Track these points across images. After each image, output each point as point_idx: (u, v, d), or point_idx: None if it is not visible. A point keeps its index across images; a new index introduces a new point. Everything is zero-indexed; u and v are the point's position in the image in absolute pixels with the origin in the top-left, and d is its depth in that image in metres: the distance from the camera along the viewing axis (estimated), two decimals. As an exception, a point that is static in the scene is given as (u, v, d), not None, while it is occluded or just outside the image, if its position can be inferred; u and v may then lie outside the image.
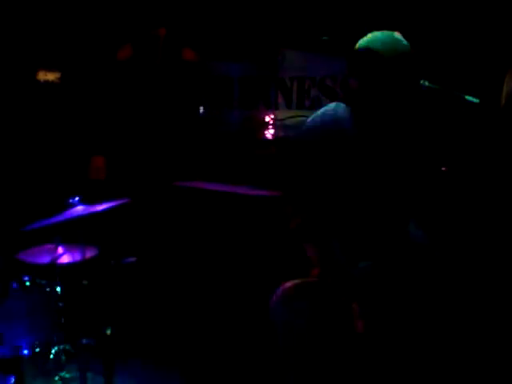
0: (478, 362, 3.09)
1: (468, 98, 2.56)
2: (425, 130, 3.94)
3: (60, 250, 3.89)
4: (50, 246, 3.92)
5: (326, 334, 2.45)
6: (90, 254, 3.97)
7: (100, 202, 3.79)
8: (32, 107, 5.64)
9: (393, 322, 2.51)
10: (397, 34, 2.55)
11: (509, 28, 3.91)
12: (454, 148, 3.77)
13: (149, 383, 4.28)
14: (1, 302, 3.54)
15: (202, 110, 6.00)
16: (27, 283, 3.66)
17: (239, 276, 4.89)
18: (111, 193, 4.32)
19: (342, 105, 2.58)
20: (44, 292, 3.70)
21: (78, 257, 3.89)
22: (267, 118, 5.62)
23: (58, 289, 3.75)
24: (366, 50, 2.53)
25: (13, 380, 3.41)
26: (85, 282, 4.01)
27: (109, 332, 3.81)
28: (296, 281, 2.53)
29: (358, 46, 2.58)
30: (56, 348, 3.75)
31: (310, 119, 2.59)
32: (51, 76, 5.78)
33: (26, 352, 3.55)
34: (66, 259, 3.90)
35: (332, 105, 2.59)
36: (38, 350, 3.61)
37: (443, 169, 3.71)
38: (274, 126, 5.60)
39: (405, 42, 2.54)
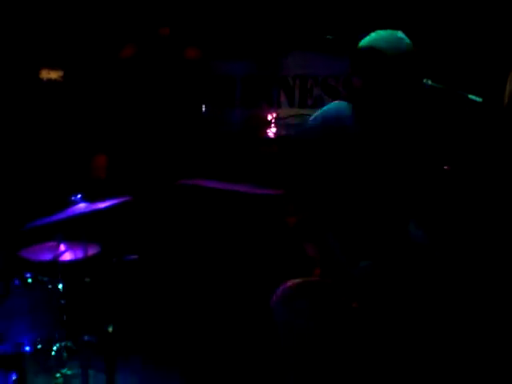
0: (477, 362, 3.09)
1: (471, 96, 2.56)
2: (427, 129, 3.94)
3: (62, 247, 3.90)
4: (52, 244, 3.92)
5: (326, 334, 2.45)
6: (91, 251, 3.98)
7: (102, 200, 3.80)
8: (35, 106, 5.64)
9: (393, 322, 2.51)
10: (400, 33, 2.55)
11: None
12: (456, 147, 3.77)
13: (150, 380, 4.28)
14: (3, 299, 3.54)
15: (204, 108, 6.00)
16: (29, 280, 3.66)
17: (241, 274, 4.89)
18: (113, 191, 4.32)
19: (345, 103, 2.57)
20: (46, 289, 3.70)
21: (80, 254, 3.91)
22: (269, 117, 5.62)
23: (60, 286, 3.75)
24: (370, 48, 2.53)
25: (14, 377, 3.41)
26: (87, 280, 4.02)
27: (110, 329, 3.82)
28: (297, 280, 2.53)
29: (361, 44, 2.58)
30: (58, 345, 3.75)
31: (312, 117, 2.59)
32: (54, 74, 5.79)
33: (27, 349, 3.55)
34: (68, 256, 3.91)
35: (334, 103, 2.59)
36: (39, 346, 3.61)
37: (445, 168, 3.72)
38: (277, 125, 5.60)
39: (408, 40, 2.54)
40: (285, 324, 2.51)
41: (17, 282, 3.61)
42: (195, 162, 5.71)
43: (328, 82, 5.23)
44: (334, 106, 2.60)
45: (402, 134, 2.68)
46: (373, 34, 2.58)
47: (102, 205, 3.76)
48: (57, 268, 3.82)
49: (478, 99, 2.56)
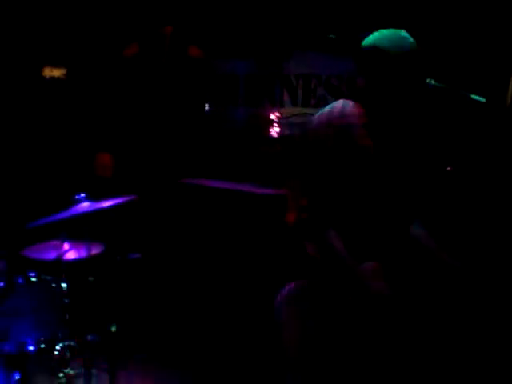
0: (480, 363, 3.09)
1: (474, 97, 2.56)
2: (431, 129, 3.94)
3: (66, 246, 3.89)
4: (55, 243, 3.92)
5: (330, 335, 2.44)
6: (95, 250, 3.97)
7: (106, 199, 3.80)
8: (37, 104, 5.64)
9: (397, 323, 2.50)
10: (403, 32, 2.55)
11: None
12: (459, 147, 3.77)
13: (153, 380, 4.29)
14: (6, 298, 3.54)
15: (207, 107, 6.00)
16: (33, 279, 3.65)
17: (243, 274, 4.89)
18: (117, 189, 4.32)
19: (349, 102, 2.57)
20: (49, 288, 3.69)
21: (83, 253, 3.90)
22: (272, 116, 5.62)
23: (64, 285, 3.75)
24: (373, 47, 2.53)
25: (17, 376, 3.41)
26: (90, 279, 4.02)
27: (114, 329, 3.82)
28: (301, 281, 2.52)
29: (364, 43, 2.58)
30: (61, 344, 3.75)
31: (316, 116, 2.58)
32: (57, 72, 5.79)
33: (31, 348, 3.54)
34: (71, 255, 3.90)
35: (339, 102, 2.58)
36: (43, 346, 3.60)
37: (448, 168, 3.71)
38: (280, 124, 5.60)
39: (411, 39, 2.54)
40: (288, 324, 2.51)
41: (20, 280, 3.60)
42: (198, 160, 5.71)
43: (331, 82, 5.23)
44: (340, 104, 2.58)
45: (405, 133, 2.68)
46: (376, 33, 2.58)
47: (105, 204, 3.76)
48: (60, 267, 3.82)
49: (481, 99, 2.56)
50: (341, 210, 2.47)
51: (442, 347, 2.81)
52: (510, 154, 3.54)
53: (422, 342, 2.61)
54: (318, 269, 2.45)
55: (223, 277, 5.01)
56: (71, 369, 3.71)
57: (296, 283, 2.52)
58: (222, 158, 5.70)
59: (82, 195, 3.77)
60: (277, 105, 5.64)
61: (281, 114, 5.59)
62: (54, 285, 3.72)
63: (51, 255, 3.87)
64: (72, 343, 3.76)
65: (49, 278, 3.71)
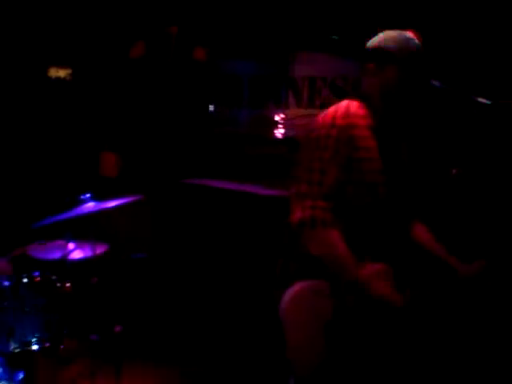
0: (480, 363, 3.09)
1: (480, 99, 2.55)
2: (435, 130, 3.94)
3: (71, 245, 3.90)
4: (60, 242, 3.93)
5: (336, 335, 2.43)
6: (100, 250, 3.98)
7: (111, 199, 3.81)
8: (43, 104, 5.66)
9: (401, 325, 2.50)
10: (409, 34, 2.55)
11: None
12: (464, 149, 3.77)
13: (157, 380, 4.29)
14: (11, 297, 3.55)
15: (211, 108, 6.00)
16: (37, 279, 3.66)
17: (248, 274, 4.90)
18: (122, 189, 4.33)
19: (354, 102, 2.56)
20: (54, 288, 3.70)
21: (88, 253, 3.91)
22: (277, 117, 5.62)
23: (68, 284, 3.76)
24: (379, 48, 2.53)
25: (22, 375, 3.42)
26: (95, 279, 4.03)
27: (118, 328, 3.83)
28: (308, 281, 2.51)
29: (370, 44, 2.58)
30: (65, 344, 3.75)
31: (320, 116, 2.56)
32: (63, 73, 5.80)
33: (35, 347, 3.56)
34: (76, 255, 3.91)
35: (344, 102, 2.57)
36: (47, 345, 3.61)
37: (453, 170, 3.71)
38: (284, 125, 5.59)
39: (417, 41, 2.54)
40: (294, 324, 2.50)
41: (25, 280, 3.61)
42: (203, 161, 5.71)
43: (336, 83, 5.22)
44: (344, 105, 2.57)
45: (409, 135, 2.68)
46: (382, 34, 2.58)
47: (110, 204, 3.77)
48: (65, 266, 3.83)
49: (487, 102, 2.56)
50: (344, 209, 2.47)
51: (448, 350, 2.81)
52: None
53: (427, 345, 2.61)
54: (322, 269, 2.45)
55: (227, 277, 5.01)
56: (75, 368, 3.72)
57: (302, 283, 2.51)
58: (226, 159, 5.70)
59: (88, 195, 3.78)
60: (282, 106, 5.63)
61: (285, 115, 5.59)
62: (58, 284, 3.73)
63: (56, 255, 3.88)
64: (76, 342, 3.77)
65: (53, 277, 3.72)
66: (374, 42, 2.58)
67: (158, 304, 4.98)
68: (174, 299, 5.04)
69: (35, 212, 3.83)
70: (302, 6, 5.02)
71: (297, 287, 2.50)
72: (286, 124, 5.57)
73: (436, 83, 2.54)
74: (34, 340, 3.57)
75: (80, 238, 3.96)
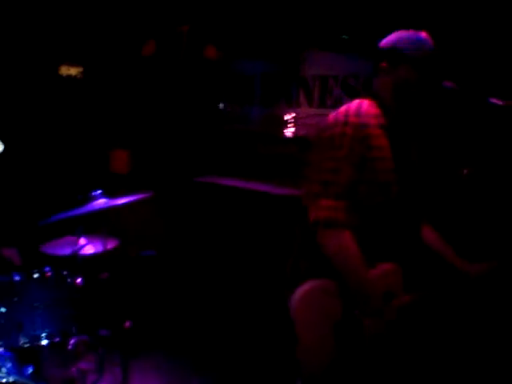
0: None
1: (492, 100, 2.55)
2: (447, 131, 3.93)
3: (82, 241, 3.91)
4: (71, 238, 3.94)
5: (346, 335, 2.43)
6: (111, 245, 3.99)
7: (121, 196, 3.82)
8: (55, 102, 5.68)
9: (409, 325, 2.50)
10: (423, 34, 2.55)
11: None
12: (476, 150, 3.76)
13: (166, 375, 4.30)
14: (22, 291, 3.56)
15: (222, 106, 6.01)
16: (48, 274, 3.67)
17: (257, 272, 4.90)
18: (132, 186, 4.35)
19: (366, 101, 2.56)
20: (65, 283, 3.72)
21: (99, 248, 3.92)
22: (288, 116, 5.62)
23: (79, 280, 3.77)
24: (392, 48, 2.53)
25: (31, 370, 3.42)
26: (105, 274, 4.04)
27: (127, 324, 3.83)
28: (318, 280, 2.51)
29: (383, 44, 2.58)
30: (74, 339, 3.77)
31: (332, 115, 2.56)
32: (74, 71, 5.83)
33: (44, 342, 3.57)
34: (87, 250, 3.92)
35: (355, 101, 2.57)
36: (56, 340, 3.62)
37: (465, 171, 3.70)
38: (295, 124, 5.59)
39: (431, 42, 2.54)
40: (304, 323, 2.50)
41: (36, 275, 3.63)
42: (213, 159, 5.72)
43: (348, 82, 5.21)
44: (355, 103, 2.56)
45: (421, 135, 2.68)
46: (395, 34, 2.58)
47: (121, 201, 3.78)
48: (76, 262, 3.84)
49: (499, 103, 2.55)
50: (355, 209, 2.46)
51: (455, 349, 2.81)
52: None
53: (436, 344, 2.61)
54: (332, 269, 2.44)
55: (237, 274, 5.01)
56: (84, 363, 3.73)
57: (313, 282, 2.51)
58: (236, 157, 5.71)
59: (99, 192, 3.79)
60: (293, 105, 5.63)
61: (297, 114, 5.59)
62: (69, 280, 3.74)
63: (67, 250, 3.89)
64: (85, 337, 3.78)
65: (64, 272, 3.73)
66: (387, 41, 2.58)
67: (167, 300, 5.00)
68: (183, 296, 5.05)
69: (47, 208, 3.85)
70: (314, 5, 5.02)
71: (307, 286, 2.50)
72: (297, 123, 5.57)
73: (448, 84, 2.53)
74: (43, 335, 3.57)
75: (91, 234, 3.97)
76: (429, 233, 2.78)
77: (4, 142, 3.59)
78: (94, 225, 3.92)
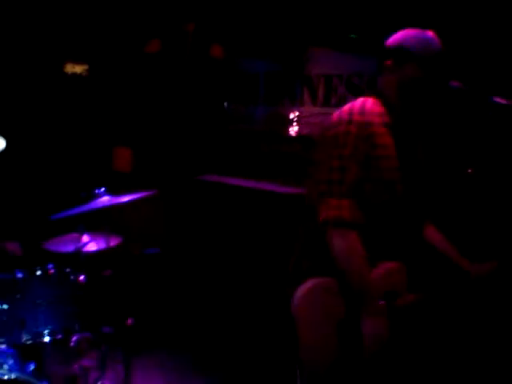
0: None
1: (497, 99, 2.54)
2: (451, 130, 3.92)
3: (85, 238, 3.91)
4: (74, 235, 3.94)
5: (348, 333, 2.43)
6: (114, 243, 3.99)
7: (125, 194, 3.82)
8: (59, 99, 5.69)
9: (413, 324, 2.49)
10: (429, 33, 2.54)
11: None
12: (481, 150, 3.75)
13: (168, 373, 4.30)
14: (25, 288, 3.56)
15: (226, 105, 6.01)
16: (51, 271, 3.67)
17: (261, 271, 4.90)
18: (136, 184, 4.35)
19: (370, 100, 2.55)
20: (68, 280, 3.72)
21: (102, 245, 3.92)
22: (292, 115, 5.61)
23: (82, 277, 3.77)
24: (399, 47, 2.52)
25: (33, 366, 3.43)
26: (108, 271, 4.04)
27: (130, 321, 3.84)
28: (320, 278, 2.51)
29: (390, 43, 2.57)
30: (77, 336, 3.77)
31: (336, 113, 2.55)
32: (79, 68, 5.83)
33: (47, 339, 3.57)
34: (90, 247, 3.92)
35: (359, 100, 2.57)
36: (59, 337, 3.62)
37: (469, 170, 3.70)
38: (299, 123, 5.58)
39: (437, 41, 2.53)
40: (307, 321, 2.49)
41: (39, 272, 3.63)
42: (218, 157, 5.72)
43: (352, 81, 5.20)
44: (359, 102, 2.55)
45: (425, 134, 2.67)
46: (402, 33, 2.57)
47: (124, 199, 3.78)
48: (79, 259, 3.85)
49: (505, 102, 2.54)
50: (361, 207, 2.45)
51: (458, 349, 2.80)
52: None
53: (439, 344, 2.60)
54: (335, 268, 2.44)
55: (241, 273, 5.02)
56: (86, 360, 3.73)
57: (316, 280, 2.50)
58: (241, 156, 5.70)
59: (102, 189, 3.79)
60: (297, 104, 5.63)
61: (301, 113, 5.58)
62: (72, 277, 3.74)
63: (70, 247, 3.89)
64: (88, 335, 3.78)
65: (67, 269, 3.73)
66: (394, 39, 2.57)
67: (170, 298, 5.00)
68: (186, 294, 5.05)
69: (51, 205, 3.85)
70: (318, 3, 5.02)
71: (309, 284, 2.50)
72: (301, 122, 5.56)
73: (455, 84, 2.52)
74: (46, 332, 3.57)
75: (94, 231, 3.97)
76: (434, 233, 2.77)
77: (8, 139, 3.59)
78: (97, 222, 3.92)
